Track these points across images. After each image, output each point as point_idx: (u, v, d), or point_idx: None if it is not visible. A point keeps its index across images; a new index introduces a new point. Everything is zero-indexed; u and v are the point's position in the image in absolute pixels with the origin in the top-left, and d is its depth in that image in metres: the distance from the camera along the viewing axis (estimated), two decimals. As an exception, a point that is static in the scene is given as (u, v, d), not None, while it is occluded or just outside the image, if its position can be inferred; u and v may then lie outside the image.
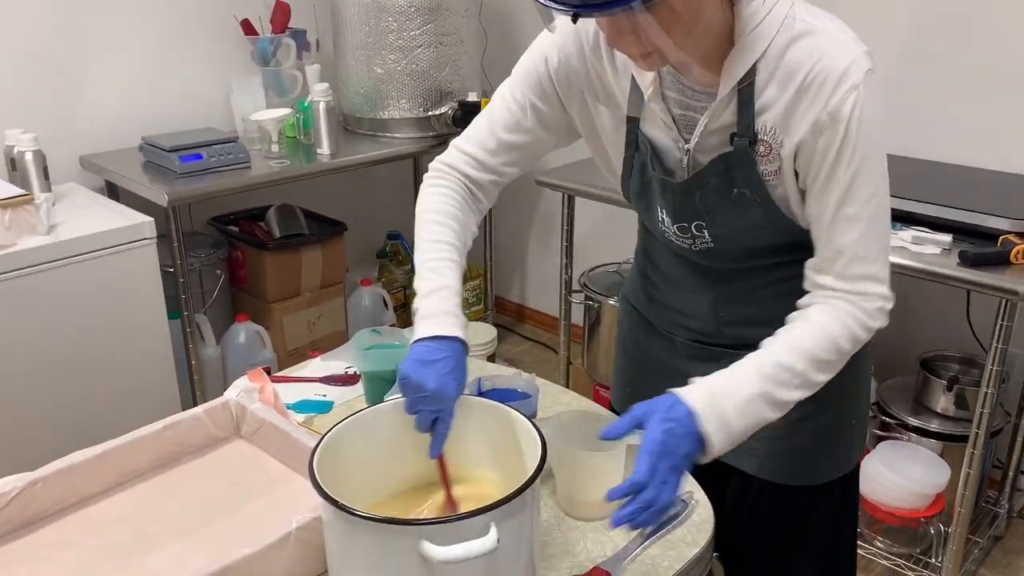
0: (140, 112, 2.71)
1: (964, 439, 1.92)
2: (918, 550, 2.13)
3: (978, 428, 1.84)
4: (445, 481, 1.06)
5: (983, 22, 2.16)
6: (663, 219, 1.17)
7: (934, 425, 2.14)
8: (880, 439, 2.19)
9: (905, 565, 2.10)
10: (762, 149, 1.03)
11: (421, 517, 0.99)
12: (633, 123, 1.12)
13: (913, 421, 2.15)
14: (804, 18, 0.99)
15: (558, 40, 1.12)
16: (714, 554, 1.19)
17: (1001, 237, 1.80)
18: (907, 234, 1.86)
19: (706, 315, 1.23)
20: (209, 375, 2.57)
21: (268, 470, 1.24)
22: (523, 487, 0.89)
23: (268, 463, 1.25)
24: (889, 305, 1.06)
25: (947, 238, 1.84)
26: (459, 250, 1.14)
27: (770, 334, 1.05)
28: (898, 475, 2.03)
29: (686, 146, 1.08)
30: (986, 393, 1.81)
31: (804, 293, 1.08)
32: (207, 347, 2.60)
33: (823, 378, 1.03)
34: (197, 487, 1.21)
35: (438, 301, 1.07)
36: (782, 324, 1.06)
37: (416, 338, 1.05)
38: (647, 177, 1.14)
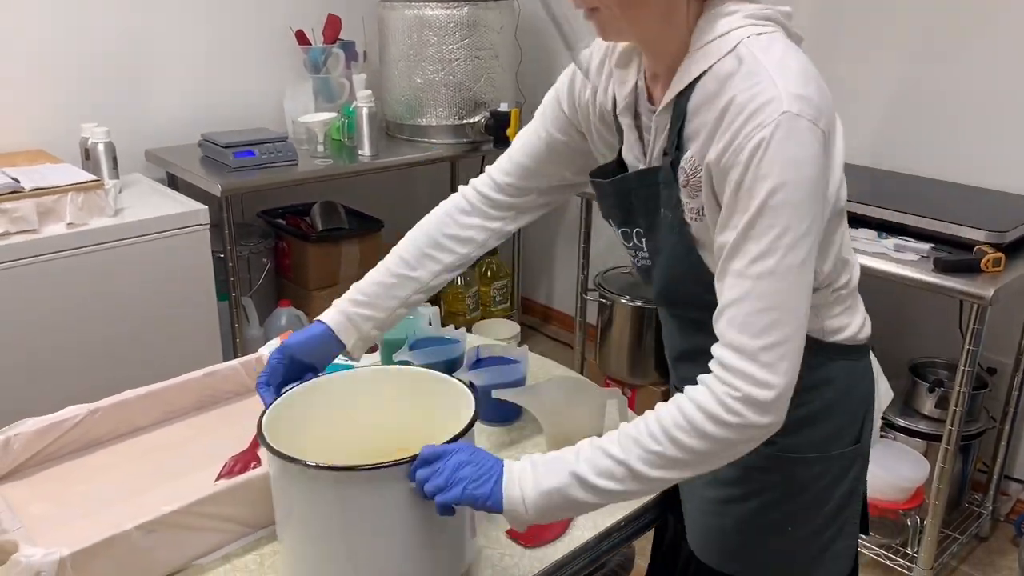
0: (201, 112, 2.88)
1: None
2: (897, 541, 2.22)
3: (951, 425, 1.95)
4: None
5: (967, 51, 2.27)
6: (611, 223, 1.16)
7: (920, 426, 2.24)
8: (868, 438, 2.30)
9: (884, 555, 2.20)
10: (682, 179, 0.99)
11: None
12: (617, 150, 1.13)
13: (900, 422, 2.26)
14: (754, 51, 0.92)
15: (570, 74, 1.17)
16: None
17: (976, 247, 1.89)
18: (890, 242, 1.97)
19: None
20: (251, 353, 2.76)
21: (290, 415, 1.43)
22: (453, 440, 0.96)
23: (291, 410, 1.44)
24: (762, 394, 0.87)
25: (926, 247, 1.94)
26: (401, 262, 1.22)
27: None
28: (878, 468, 2.14)
29: (644, 166, 1.08)
30: (959, 392, 1.92)
31: None
32: (251, 327, 2.77)
33: (654, 473, 0.91)
34: (229, 426, 1.38)
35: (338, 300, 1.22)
36: None
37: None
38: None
